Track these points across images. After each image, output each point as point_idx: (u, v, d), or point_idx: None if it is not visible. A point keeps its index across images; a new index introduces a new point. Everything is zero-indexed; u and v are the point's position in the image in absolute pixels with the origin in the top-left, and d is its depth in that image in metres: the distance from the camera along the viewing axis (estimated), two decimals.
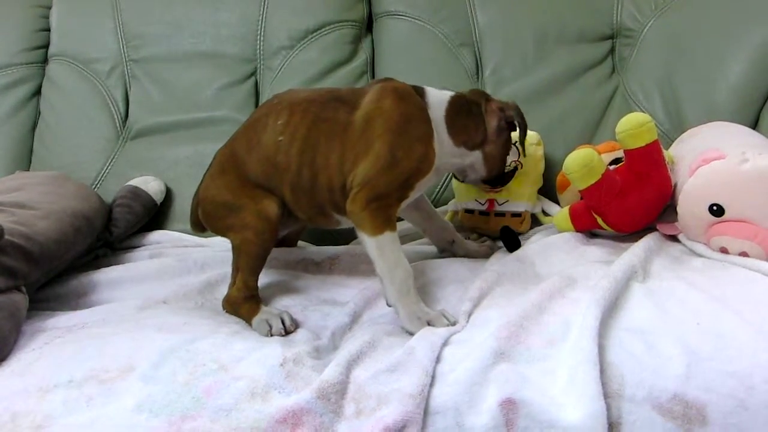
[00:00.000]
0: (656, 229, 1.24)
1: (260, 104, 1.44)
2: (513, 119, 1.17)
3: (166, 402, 0.84)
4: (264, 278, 1.17)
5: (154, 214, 1.52)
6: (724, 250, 1.11)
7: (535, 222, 1.43)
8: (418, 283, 1.08)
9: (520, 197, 1.39)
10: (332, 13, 1.67)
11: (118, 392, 0.86)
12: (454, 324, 0.99)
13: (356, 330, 1.04)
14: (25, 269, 1.09)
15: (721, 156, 1.12)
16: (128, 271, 1.27)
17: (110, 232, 1.41)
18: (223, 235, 1.18)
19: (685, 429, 0.82)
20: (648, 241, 1.18)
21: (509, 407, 0.82)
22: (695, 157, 1.16)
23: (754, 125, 1.41)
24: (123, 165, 1.61)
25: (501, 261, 1.20)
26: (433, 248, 1.34)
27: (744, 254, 1.08)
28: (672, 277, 1.05)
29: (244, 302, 1.11)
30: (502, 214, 1.40)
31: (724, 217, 1.11)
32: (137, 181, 1.51)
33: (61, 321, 1.06)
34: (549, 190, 1.45)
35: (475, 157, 1.18)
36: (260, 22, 1.68)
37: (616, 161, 1.30)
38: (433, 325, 0.99)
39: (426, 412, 0.83)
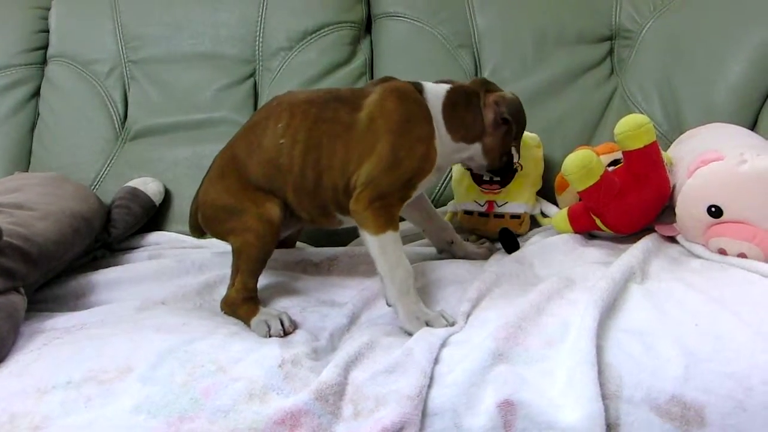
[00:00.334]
0: (655, 231, 1.24)
1: (259, 107, 1.44)
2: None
3: (164, 403, 0.84)
4: (262, 279, 1.17)
5: (153, 215, 1.52)
6: (722, 252, 1.11)
7: (534, 223, 1.44)
8: (417, 284, 1.08)
9: (519, 199, 1.39)
10: (331, 15, 1.67)
11: (116, 393, 0.86)
12: (452, 325, 0.99)
13: (354, 331, 1.04)
14: (23, 270, 1.09)
15: (720, 157, 1.12)
16: (127, 272, 1.27)
17: (109, 233, 1.41)
18: (223, 239, 1.18)
19: (684, 430, 0.82)
20: (646, 242, 1.18)
21: (507, 408, 0.82)
22: (694, 158, 1.16)
23: (753, 126, 1.41)
24: (122, 166, 1.61)
25: (500, 262, 1.20)
26: (432, 249, 1.34)
27: (742, 255, 1.08)
28: (670, 278, 1.05)
29: (243, 303, 1.10)
30: (501, 216, 1.40)
31: (722, 219, 1.11)
32: (136, 182, 1.51)
33: (60, 322, 1.06)
34: (548, 191, 1.45)
35: (475, 149, 1.18)
36: (259, 24, 1.68)
37: (614, 162, 1.30)
38: (432, 326, 0.99)
39: (424, 413, 0.83)
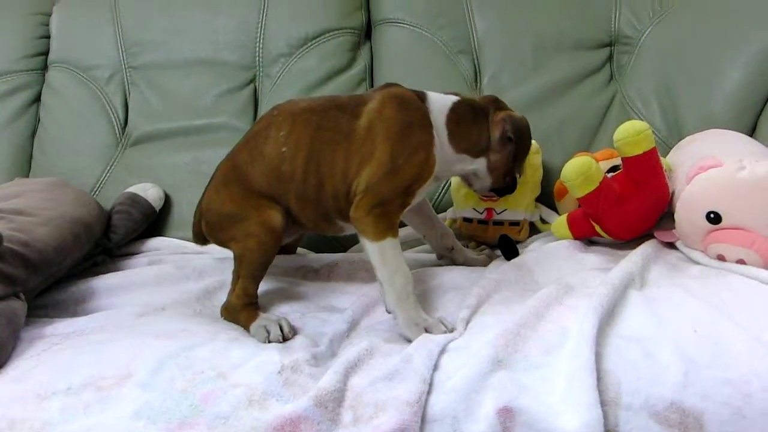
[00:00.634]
0: (654, 237, 1.25)
1: (260, 116, 1.44)
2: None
3: (163, 409, 0.84)
4: (263, 285, 1.17)
5: (153, 221, 1.52)
6: (721, 258, 1.11)
7: (534, 230, 1.44)
8: (417, 291, 1.08)
9: (518, 206, 1.40)
10: (331, 21, 1.67)
11: (115, 399, 0.86)
12: (451, 331, 0.99)
13: (354, 337, 1.04)
14: (23, 276, 1.09)
15: (719, 164, 1.12)
16: (127, 278, 1.27)
17: (109, 239, 1.41)
18: (225, 246, 1.18)
19: None
20: (646, 248, 1.19)
21: (506, 415, 0.82)
22: (693, 164, 1.17)
23: (752, 132, 1.42)
24: (122, 172, 1.61)
25: (499, 268, 1.21)
26: (431, 256, 1.34)
27: (741, 262, 1.08)
28: (669, 284, 1.05)
29: (243, 309, 1.11)
30: (500, 223, 1.40)
31: (721, 225, 1.11)
32: (136, 188, 1.51)
33: (60, 328, 1.06)
34: (547, 197, 1.45)
35: (479, 164, 1.18)
36: (259, 30, 1.68)
37: (614, 169, 1.30)
38: (431, 332, 0.99)
39: (423, 419, 0.83)
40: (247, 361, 0.92)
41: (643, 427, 0.83)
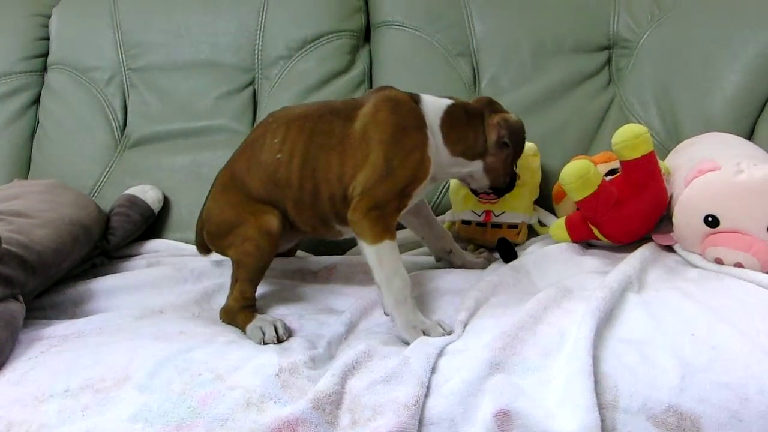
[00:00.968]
0: (652, 240, 1.25)
1: (258, 120, 1.45)
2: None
3: (161, 412, 0.84)
4: (261, 287, 1.18)
5: (152, 223, 1.52)
6: (719, 261, 1.11)
7: (532, 233, 1.44)
8: (415, 293, 1.09)
9: (516, 208, 1.40)
10: (330, 23, 1.67)
11: (113, 402, 0.86)
12: (449, 334, 0.99)
13: (352, 339, 1.04)
14: (22, 278, 1.09)
15: (717, 167, 1.12)
16: (125, 280, 1.27)
17: (107, 241, 1.41)
18: (225, 253, 1.19)
19: None
20: (644, 251, 1.19)
21: (504, 418, 0.82)
22: (691, 168, 1.17)
23: (750, 136, 1.42)
24: (121, 174, 1.61)
25: (497, 271, 1.21)
26: (429, 259, 1.34)
27: (739, 265, 1.09)
28: (667, 287, 1.05)
29: (241, 311, 1.11)
30: (498, 225, 1.40)
31: (719, 228, 1.12)
32: (135, 190, 1.51)
33: (58, 330, 1.06)
34: (545, 200, 1.45)
35: (476, 167, 1.18)
36: (258, 32, 1.68)
37: (612, 172, 1.30)
38: (429, 335, 1.00)
39: (421, 422, 0.83)
40: (245, 363, 0.92)
41: (640, 431, 0.83)
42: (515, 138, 1.16)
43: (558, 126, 1.55)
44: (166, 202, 1.55)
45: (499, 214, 1.40)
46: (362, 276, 1.23)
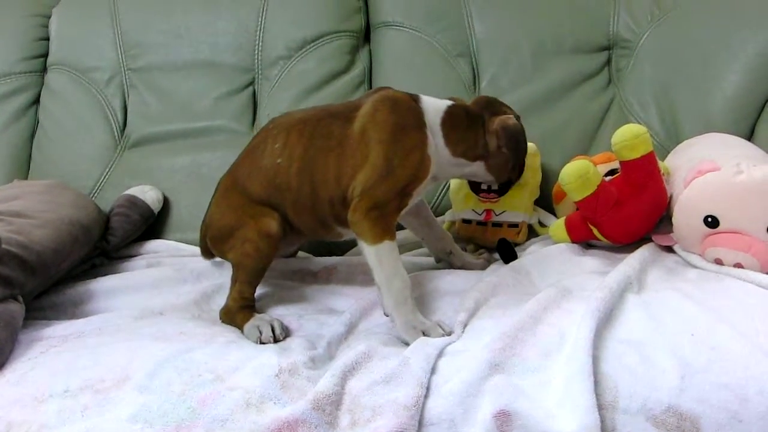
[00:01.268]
0: (652, 240, 1.25)
1: (258, 123, 1.45)
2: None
3: (161, 412, 0.84)
4: (261, 288, 1.18)
5: (152, 224, 1.52)
6: (718, 262, 1.11)
7: (532, 233, 1.44)
8: (415, 294, 1.08)
9: (517, 208, 1.40)
10: (330, 24, 1.67)
11: (113, 402, 0.86)
12: (449, 334, 0.99)
13: (352, 340, 1.04)
14: (21, 278, 1.09)
15: (716, 167, 1.12)
16: (125, 281, 1.27)
17: (107, 241, 1.41)
18: (226, 257, 1.19)
19: None
20: (643, 252, 1.19)
21: (503, 419, 0.82)
22: (690, 168, 1.17)
23: (750, 136, 1.42)
24: (121, 174, 1.61)
25: (497, 272, 1.20)
26: (429, 259, 1.34)
27: (738, 265, 1.08)
28: (667, 288, 1.05)
29: (239, 311, 1.11)
30: (499, 225, 1.40)
31: (718, 229, 1.12)
32: (135, 190, 1.51)
33: (58, 330, 1.06)
34: (545, 200, 1.45)
35: (477, 167, 1.19)
36: (258, 32, 1.68)
37: (612, 172, 1.30)
38: (429, 336, 0.99)
39: (420, 423, 0.83)
40: (244, 364, 0.92)
41: (640, 431, 0.83)
42: (514, 144, 1.16)
43: (558, 126, 1.55)
44: (165, 203, 1.55)
45: (500, 213, 1.40)
46: (362, 276, 1.23)
